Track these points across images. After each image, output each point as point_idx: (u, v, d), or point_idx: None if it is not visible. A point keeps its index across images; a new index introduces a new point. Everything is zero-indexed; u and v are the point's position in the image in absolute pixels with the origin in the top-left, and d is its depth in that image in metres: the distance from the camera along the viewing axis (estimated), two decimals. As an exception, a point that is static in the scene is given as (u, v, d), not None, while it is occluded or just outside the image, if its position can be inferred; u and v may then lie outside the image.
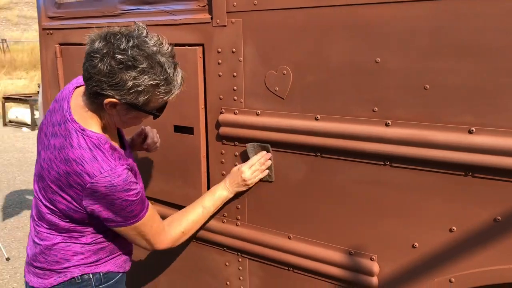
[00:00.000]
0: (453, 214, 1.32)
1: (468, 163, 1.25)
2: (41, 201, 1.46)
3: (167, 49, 1.32)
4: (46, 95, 2.26)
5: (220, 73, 1.66)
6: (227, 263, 1.82)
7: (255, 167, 1.62)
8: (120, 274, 1.62)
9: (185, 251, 1.94)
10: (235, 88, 1.64)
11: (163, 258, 2.03)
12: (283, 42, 1.51)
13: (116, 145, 1.46)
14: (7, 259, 3.92)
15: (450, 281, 1.35)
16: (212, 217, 1.76)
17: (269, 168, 1.63)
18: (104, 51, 1.25)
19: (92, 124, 1.39)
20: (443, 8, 1.23)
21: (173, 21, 1.74)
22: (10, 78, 15.43)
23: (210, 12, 1.64)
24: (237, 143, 1.68)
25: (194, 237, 1.87)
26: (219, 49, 1.64)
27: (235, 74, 1.63)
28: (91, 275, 1.52)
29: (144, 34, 1.30)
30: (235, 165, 1.69)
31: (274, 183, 1.63)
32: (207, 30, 1.66)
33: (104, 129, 1.43)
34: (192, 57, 1.69)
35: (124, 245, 1.60)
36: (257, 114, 1.61)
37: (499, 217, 1.25)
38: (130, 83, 1.26)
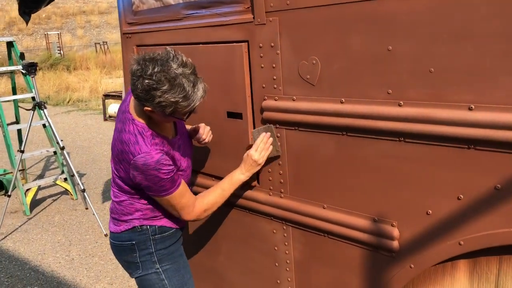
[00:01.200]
0: (459, 183, 1.46)
1: (469, 137, 1.40)
2: (113, 169, 1.92)
3: (189, 70, 1.66)
4: (127, 90, 2.67)
5: (262, 65, 1.92)
6: (274, 231, 2.09)
7: (260, 148, 1.92)
8: (173, 230, 2.02)
9: (240, 221, 2.24)
10: (275, 77, 1.89)
11: (222, 227, 2.35)
12: (312, 35, 1.73)
13: (161, 133, 1.85)
14: (106, 235, 4.54)
15: (459, 243, 1.50)
16: (259, 189, 2.04)
17: (273, 144, 1.93)
18: (138, 74, 1.63)
19: (140, 115, 1.81)
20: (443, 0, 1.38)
21: (223, 21, 2.02)
22: (110, 77, 16.78)
23: (253, 12, 1.90)
24: (278, 126, 1.93)
25: (247, 208, 2.16)
26: (261, 44, 1.90)
27: (274, 65, 1.88)
28: (148, 227, 1.95)
29: (171, 58, 1.64)
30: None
31: (308, 159, 1.86)
32: (250, 29, 1.92)
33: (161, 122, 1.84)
34: (239, 52, 1.97)
35: None
36: (293, 100, 1.84)
37: (498, 185, 1.38)
38: (157, 100, 1.63)
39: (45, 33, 23.68)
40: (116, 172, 1.90)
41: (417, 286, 1.69)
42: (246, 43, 1.96)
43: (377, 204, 1.69)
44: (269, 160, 2.00)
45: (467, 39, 1.36)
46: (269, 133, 1.93)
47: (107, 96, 10.67)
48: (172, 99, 1.63)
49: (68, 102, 13.32)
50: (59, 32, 23.34)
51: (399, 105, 1.54)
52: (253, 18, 1.90)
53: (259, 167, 1.97)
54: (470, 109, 1.39)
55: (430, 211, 1.55)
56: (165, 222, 1.98)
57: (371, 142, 1.65)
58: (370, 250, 1.75)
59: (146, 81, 1.61)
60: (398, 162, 1.59)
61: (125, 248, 1.97)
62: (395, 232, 1.65)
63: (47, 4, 3.82)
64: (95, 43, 23.01)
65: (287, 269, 2.08)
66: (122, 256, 2.02)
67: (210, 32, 2.10)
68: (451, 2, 1.36)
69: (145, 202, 1.93)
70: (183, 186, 1.87)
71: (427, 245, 1.58)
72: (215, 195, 1.97)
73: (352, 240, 1.79)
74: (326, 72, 1.72)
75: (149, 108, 1.69)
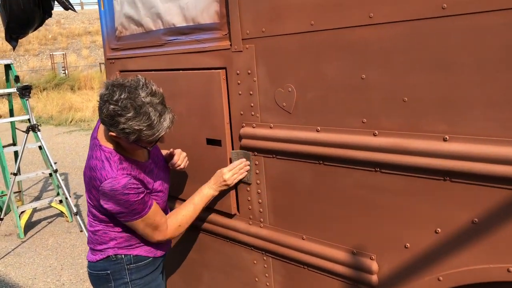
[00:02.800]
0: (436, 216, 1.41)
1: (444, 169, 1.34)
2: (86, 197, 1.89)
3: (158, 99, 1.64)
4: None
5: (240, 92, 1.89)
6: (255, 261, 2.03)
7: (234, 170, 1.92)
8: (150, 259, 1.96)
9: (220, 250, 2.18)
10: (252, 104, 1.85)
11: (203, 256, 2.29)
12: (287, 63, 1.69)
13: (130, 157, 1.81)
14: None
15: (438, 279, 1.43)
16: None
17: (248, 171, 1.92)
18: (105, 99, 1.62)
19: (108, 141, 1.78)
20: (415, 29, 1.34)
21: (202, 48, 2.00)
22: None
23: (230, 39, 1.88)
24: (256, 153, 1.89)
25: (228, 238, 2.11)
26: (238, 71, 1.87)
27: (251, 92, 1.84)
28: (123, 256, 1.90)
29: (140, 86, 1.63)
30: (257, 183, 1.91)
31: (286, 188, 1.81)
32: (228, 55, 1.90)
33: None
34: (217, 78, 1.94)
35: None
36: (270, 127, 1.81)
37: (476, 219, 1.32)
38: (121, 126, 1.60)
39: (51, 53, 23.98)
40: (89, 201, 1.86)
41: (398, 322, 1.62)
42: (224, 69, 1.93)
43: (355, 236, 1.63)
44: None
45: (440, 68, 1.32)
46: (248, 162, 1.90)
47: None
48: (136, 127, 1.60)
49: (71, 122, 13.36)
50: (64, 53, 23.62)
51: (374, 135, 1.49)
52: (230, 45, 1.88)
53: (226, 187, 1.96)
54: (444, 139, 1.34)
55: (408, 245, 1.49)
56: (140, 251, 1.94)
57: (347, 171, 1.60)
58: (350, 284, 1.69)
59: (112, 106, 1.59)
60: (374, 193, 1.54)
61: (101, 277, 1.94)
62: (374, 265, 1.59)
63: (34, 30, 3.85)
64: (100, 63, 23.22)
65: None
66: (98, 285, 1.98)
67: (189, 58, 2.08)
68: (425, 30, 1.33)
69: (119, 230, 1.89)
70: (154, 207, 1.84)
71: (406, 280, 1.52)
72: (187, 210, 1.95)
73: (331, 273, 1.73)
74: (302, 100, 1.68)
75: (113, 134, 1.67)
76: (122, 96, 1.59)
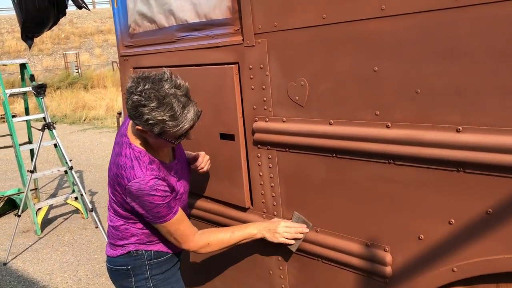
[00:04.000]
0: (450, 207, 1.41)
1: (458, 160, 1.34)
2: (109, 193, 1.88)
3: (181, 92, 1.63)
4: (126, 111, 2.68)
5: (253, 87, 1.90)
6: (269, 255, 2.04)
7: (291, 230, 1.85)
8: (170, 254, 1.97)
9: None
10: (265, 99, 1.86)
11: (217, 250, 2.31)
12: (299, 56, 1.70)
13: (158, 158, 1.81)
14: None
15: (452, 270, 1.44)
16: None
17: (297, 240, 1.86)
18: (130, 91, 1.63)
19: (137, 139, 1.78)
20: (427, 20, 1.34)
21: (214, 44, 2.01)
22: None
23: (242, 34, 1.89)
24: (269, 147, 1.90)
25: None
26: (250, 66, 1.89)
27: (264, 87, 1.85)
28: (144, 251, 1.91)
29: (164, 78, 1.63)
30: (270, 176, 1.94)
31: (300, 182, 1.82)
32: (240, 50, 1.91)
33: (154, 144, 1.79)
34: (229, 74, 1.95)
35: None
36: (283, 121, 1.82)
37: (490, 210, 1.32)
38: (145, 117, 1.61)
39: (64, 52, 24.21)
40: (112, 196, 1.87)
41: (413, 313, 1.63)
42: (237, 65, 1.94)
43: (369, 228, 1.64)
44: (264, 182, 1.97)
45: (452, 58, 1.32)
46: (306, 230, 1.85)
47: (121, 114, 10.70)
48: (159, 117, 1.60)
49: (85, 120, 13.51)
50: (77, 52, 23.82)
51: (387, 127, 1.50)
52: (243, 40, 1.89)
53: (271, 239, 1.88)
54: (457, 130, 1.34)
55: (422, 236, 1.50)
56: (161, 247, 1.95)
57: (361, 164, 1.61)
58: (364, 275, 1.69)
59: (136, 97, 1.60)
60: (388, 185, 1.55)
61: (121, 272, 1.95)
62: (388, 257, 1.59)
63: (49, 29, 3.90)
64: (112, 62, 23.38)
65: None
66: (118, 280, 1.99)
67: (202, 54, 2.10)
68: (436, 21, 1.33)
69: (141, 226, 1.89)
70: (180, 214, 1.83)
71: (420, 271, 1.53)
72: (223, 235, 1.90)
73: (345, 265, 1.74)
74: (314, 93, 1.69)
75: (139, 127, 1.67)
76: (146, 87, 1.60)
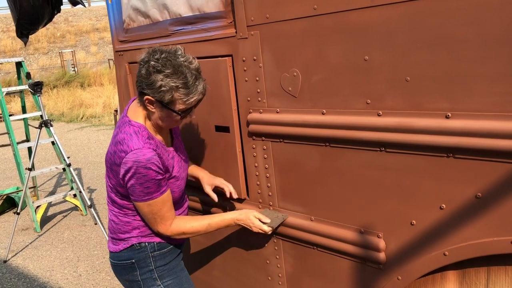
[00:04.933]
0: (441, 193, 1.44)
1: (447, 146, 1.37)
2: (107, 182, 1.89)
3: (194, 66, 1.72)
4: (122, 107, 2.70)
5: (246, 79, 1.92)
6: (265, 244, 2.07)
7: (262, 225, 1.89)
8: (172, 245, 1.99)
9: (232, 234, 2.23)
10: (259, 90, 1.89)
11: (215, 241, 2.35)
12: (291, 47, 1.72)
13: (158, 137, 1.86)
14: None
15: (444, 254, 1.47)
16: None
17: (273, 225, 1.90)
18: (146, 59, 1.71)
19: (139, 117, 1.82)
20: (415, 7, 1.37)
21: (208, 37, 2.03)
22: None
23: (235, 27, 1.91)
24: (264, 138, 1.93)
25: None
26: (244, 58, 1.91)
27: (257, 78, 1.88)
28: (147, 244, 1.92)
29: (179, 52, 1.72)
30: (265, 167, 1.96)
31: (294, 172, 1.85)
32: (233, 43, 1.93)
33: (157, 127, 1.85)
34: (223, 66, 1.98)
35: None
36: (277, 112, 1.84)
37: (479, 194, 1.35)
38: (158, 83, 1.66)
39: (60, 51, 24.15)
40: (109, 183, 1.87)
41: (407, 298, 1.66)
42: (230, 57, 1.96)
43: (362, 215, 1.67)
44: (259, 173, 2.00)
45: (441, 46, 1.34)
46: (279, 223, 1.92)
47: (117, 111, 10.68)
48: (173, 83, 1.66)
49: (82, 118, 13.50)
50: (73, 50, 23.77)
51: (378, 115, 1.52)
52: (236, 32, 1.91)
53: (249, 228, 1.93)
54: (447, 117, 1.36)
55: (414, 222, 1.52)
56: (162, 239, 1.95)
57: (353, 152, 1.63)
58: (358, 262, 1.72)
59: (152, 62, 1.67)
60: (380, 172, 1.57)
61: (125, 267, 1.94)
62: (381, 243, 1.62)
63: (44, 26, 3.90)
64: (109, 59, 23.32)
65: (280, 282, 2.07)
66: (123, 275, 1.98)
67: (196, 47, 2.12)
68: (425, 10, 1.35)
69: (141, 218, 1.90)
70: (167, 195, 1.84)
71: (413, 257, 1.56)
72: (200, 224, 1.92)
73: (340, 253, 1.77)
74: (307, 83, 1.71)
75: (149, 97, 1.71)
76: (162, 56, 1.68)
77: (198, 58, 2.09)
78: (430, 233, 1.49)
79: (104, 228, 4.72)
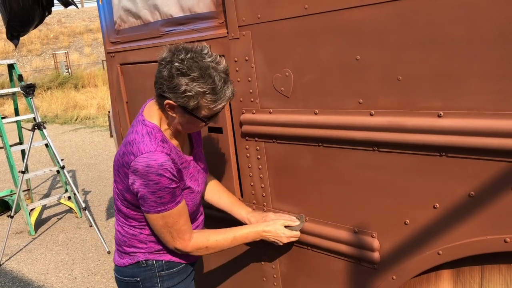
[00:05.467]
0: (434, 192, 1.43)
1: (440, 145, 1.37)
2: (114, 187, 1.71)
3: (222, 67, 1.53)
4: (114, 108, 2.69)
5: (239, 79, 1.91)
6: (260, 245, 2.07)
7: (292, 234, 1.80)
8: (183, 265, 1.81)
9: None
10: (251, 91, 1.88)
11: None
12: (283, 47, 1.72)
13: (174, 142, 1.68)
14: (108, 252, 4.54)
15: (438, 253, 1.46)
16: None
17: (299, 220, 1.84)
18: (168, 59, 1.51)
19: (153, 117, 1.63)
20: (407, 6, 1.36)
21: (199, 37, 2.02)
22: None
23: (227, 27, 1.90)
24: (257, 139, 1.92)
25: (233, 223, 2.14)
26: (236, 59, 1.90)
27: (249, 79, 1.87)
28: (154, 262, 1.75)
29: (205, 51, 1.53)
30: (259, 168, 1.94)
31: (288, 172, 1.84)
32: (225, 43, 1.92)
33: (175, 131, 1.66)
34: (215, 67, 1.96)
35: None
36: (270, 112, 1.83)
37: (472, 193, 1.35)
38: (183, 88, 1.47)
39: (53, 52, 24.04)
40: (116, 189, 1.69)
41: (402, 297, 1.66)
42: (222, 57, 1.95)
43: (356, 215, 1.67)
44: (253, 174, 1.99)
45: (432, 45, 1.33)
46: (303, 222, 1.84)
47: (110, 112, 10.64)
48: (199, 89, 1.47)
49: (76, 120, 13.45)
50: (66, 51, 23.67)
51: (371, 114, 1.52)
52: (227, 32, 1.90)
53: (277, 242, 1.81)
54: (439, 116, 1.36)
55: (408, 221, 1.52)
56: (173, 257, 1.78)
57: (346, 152, 1.63)
58: (353, 262, 1.72)
59: (176, 64, 1.47)
60: (373, 172, 1.57)
61: (129, 284, 1.79)
62: (375, 243, 1.62)
63: (35, 27, 3.88)
64: (102, 60, 23.22)
65: (275, 283, 2.06)
66: None
67: (188, 48, 2.10)
68: (416, 8, 1.34)
69: (149, 232, 1.72)
70: (183, 206, 1.65)
71: (407, 256, 1.55)
72: (224, 238, 1.74)
73: (334, 253, 1.76)
74: (299, 83, 1.71)
75: (171, 101, 1.52)
76: (188, 56, 1.48)
77: (190, 59, 2.08)
78: (424, 233, 1.49)
79: (99, 230, 4.69)
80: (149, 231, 1.71)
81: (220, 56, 1.56)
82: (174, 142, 1.69)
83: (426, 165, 1.43)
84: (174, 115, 1.58)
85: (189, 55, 1.49)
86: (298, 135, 1.74)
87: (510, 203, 1.28)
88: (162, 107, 1.59)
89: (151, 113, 1.64)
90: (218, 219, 2.13)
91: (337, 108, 1.61)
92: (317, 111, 1.67)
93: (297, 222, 1.82)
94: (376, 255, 1.62)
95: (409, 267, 1.55)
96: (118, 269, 1.80)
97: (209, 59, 1.50)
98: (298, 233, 1.81)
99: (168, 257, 1.77)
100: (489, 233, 1.34)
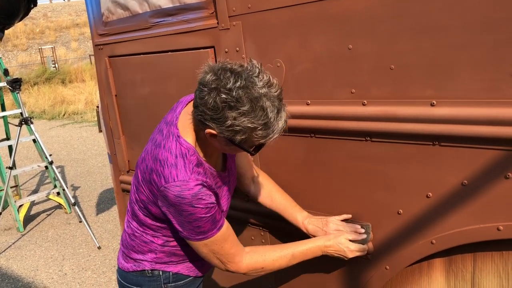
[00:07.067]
0: (427, 181, 1.43)
1: (432, 134, 1.36)
2: (133, 188, 1.58)
3: (275, 92, 1.29)
4: (103, 102, 2.65)
5: (229, 70, 1.89)
6: (253, 237, 2.06)
7: (359, 248, 1.59)
8: (191, 278, 1.70)
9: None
10: (242, 82, 1.85)
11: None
12: (274, 37, 1.70)
13: (209, 160, 1.50)
14: (99, 247, 4.50)
15: (431, 243, 1.46)
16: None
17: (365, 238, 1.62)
18: (212, 86, 1.26)
19: (188, 135, 1.44)
20: (398, -6, 1.35)
21: (189, 28, 1.99)
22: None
23: (217, 17, 1.88)
24: (248, 131, 1.90)
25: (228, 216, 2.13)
26: (226, 49, 1.87)
27: (240, 70, 1.84)
28: (161, 272, 1.63)
29: (256, 74, 1.28)
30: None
31: (281, 164, 1.83)
32: (215, 34, 1.90)
33: (211, 150, 1.48)
34: (206, 58, 1.94)
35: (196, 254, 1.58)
36: (261, 104, 1.81)
37: (465, 181, 1.35)
38: (229, 122, 1.26)
39: (39, 47, 23.74)
40: (135, 194, 1.54)
41: (395, 287, 1.66)
42: (213, 48, 1.93)
43: (349, 206, 1.66)
44: None
45: (425, 33, 1.33)
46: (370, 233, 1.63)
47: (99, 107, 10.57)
48: (250, 125, 1.25)
49: (64, 115, 13.31)
50: (53, 46, 23.41)
51: (363, 104, 1.51)
52: (217, 23, 1.88)
53: (342, 257, 1.61)
54: (432, 105, 1.35)
55: (401, 211, 1.52)
56: (182, 269, 1.66)
57: (339, 143, 1.62)
58: (346, 253, 1.71)
59: (223, 96, 1.24)
60: (366, 162, 1.56)
61: None
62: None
63: (20, 20, 3.81)
64: (90, 55, 22.98)
65: (267, 275, 2.05)
66: None
67: (178, 39, 2.08)
68: (407, -4, 1.33)
69: (162, 242, 1.60)
70: (225, 230, 1.49)
71: (400, 246, 1.55)
72: (281, 255, 1.57)
73: (327, 244, 1.76)
74: (291, 74, 1.69)
75: (213, 131, 1.31)
76: (237, 85, 1.24)
77: (180, 50, 2.06)
78: (417, 222, 1.49)
79: (89, 226, 4.65)
80: (163, 241, 1.60)
81: (272, 77, 1.32)
82: (209, 161, 1.50)
83: (419, 155, 1.42)
84: (214, 141, 1.38)
85: (238, 83, 1.25)
86: (291, 126, 1.72)
87: (503, 191, 1.28)
88: (200, 130, 1.40)
89: (187, 128, 1.44)
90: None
91: (329, 99, 1.60)
92: (309, 102, 1.66)
93: (363, 236, 1.60)
94: (369, 245, 1.62)
95: (403, 257, 1.55)
96: (122, 273, 1.70)
97: (261, 84, 1.27)
98: (365, 247, 1.60)
99: (176, 268, 1.65)
100: (483, 221, 1.34)
